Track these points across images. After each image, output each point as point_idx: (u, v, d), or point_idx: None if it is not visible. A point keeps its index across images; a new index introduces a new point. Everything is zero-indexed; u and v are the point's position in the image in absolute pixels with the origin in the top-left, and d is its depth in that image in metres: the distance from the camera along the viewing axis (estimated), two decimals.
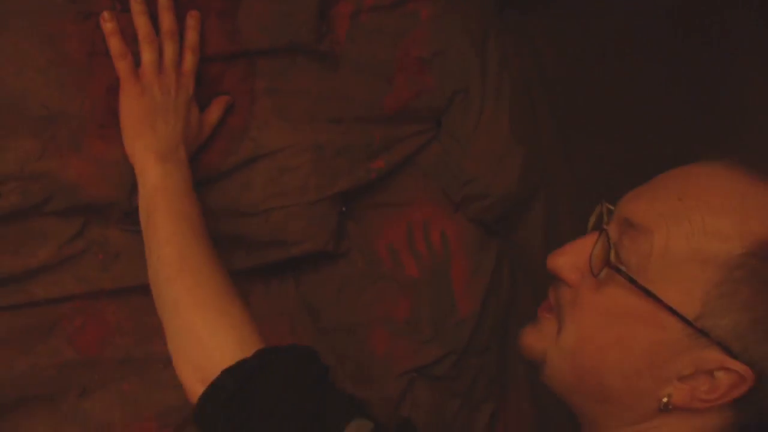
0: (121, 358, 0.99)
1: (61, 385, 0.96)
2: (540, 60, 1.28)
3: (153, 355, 1.01)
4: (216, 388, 0.79)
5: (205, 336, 0.82)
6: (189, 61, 0.96)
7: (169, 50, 0.94)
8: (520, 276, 1.34)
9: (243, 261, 1.04)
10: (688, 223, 0.68)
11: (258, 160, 1.03)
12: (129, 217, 0.96)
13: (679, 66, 1.30)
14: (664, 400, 0.70)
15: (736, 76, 1.29)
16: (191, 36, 0.96)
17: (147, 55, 0.92)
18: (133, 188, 0.94)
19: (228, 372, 0.79)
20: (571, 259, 0.77)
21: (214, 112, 1.00)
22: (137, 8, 0.92)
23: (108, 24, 0.91)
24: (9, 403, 0.93)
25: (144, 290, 0.98)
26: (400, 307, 1.20)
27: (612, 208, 0.78)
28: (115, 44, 0.91)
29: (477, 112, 1.19)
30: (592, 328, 0.74)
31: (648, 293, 0.69)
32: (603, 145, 1.30)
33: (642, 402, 0.72)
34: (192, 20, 0.96)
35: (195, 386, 0.81)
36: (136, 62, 0.93)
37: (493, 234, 1.29)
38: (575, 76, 1.30)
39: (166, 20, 0.94)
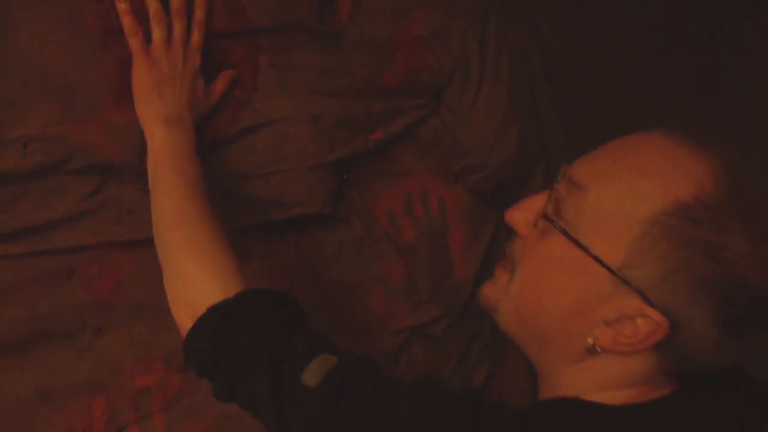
0: (132, 304, 1.11)
1: (77, 325, 1.08)
2: (540, 39, 1.34)
3: (161, 303, 1.10)
4: (201, 323, 0.89)
5: (196, 279, 0.93)
6: (196, 37, 1.06)
7: (178, 27, 1.04)
8: None
9: (245, 219, 1.14)
10: (618, 183, 0.77)
11: (260, 128, 1.12)
12: (140, 177, 1.07)
13: (680, 45, 1.35)
14: (590, 341, 0.79)
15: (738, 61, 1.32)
16: (199, 14, 1.06)
17: (157, 32, 1.03)
18: (143, 151, 1.05)
19: (211, 309, 0.89)
20: (524, 214, 0.87)
21: (220, 84, 1.09)
22: None
23: (122, 4, 1.01)
24: (32, 337, 1.05)
25: (153, 243, 1.10)
26: (397, 270, 1.28)
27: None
28: (128, 22, 1.01)
29: (475, 88, 1.26)
30: (533, 275, 0.84)
31: (578, 244, 0.78)
32: (602, 120, 1.35)
33: (574, 344, 0.81)
34: (199, 0, 1.06)
35: (185, 323, 0.92)
36: (148, 39, 1.03)
37: (492, 205, 1.36)
38: (575, 54, 1.35)
39: (175, 0, 1.04)
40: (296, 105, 1.14)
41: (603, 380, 0.82)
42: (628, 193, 0.76)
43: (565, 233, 0.79)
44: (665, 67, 1.37)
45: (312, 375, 0.83)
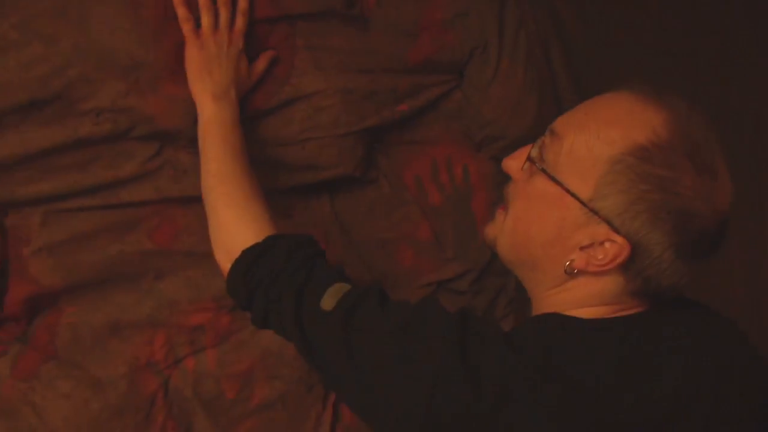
0: (187, 251, 1.30)
1: (141, 269, 1.28)
2: (558, 20, 1.46)
3: (212, 251, 1.30)
4: (237, 263, 1.08)
5: (233, 228, 1.12)
6: (240, 22, 1.23)
7: (224, 14, 1.21)
8: None
9: (284, 181, 1.31)
10: (587, 131, 0.93)
11: (297, 101, 1.29)
12: (193, 142, 1.25)
13: (695, 23, 1.44)
14: (568, 263, 0.95)
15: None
16: (242, 3, 1.23)
17: (205, 19, 1.20)
18: (195, 120, 1.23)
19: (245, 251, 1.08)
20: (516, 162, 1.03)
21: (261, 63, 1.27)
22: None
23: None
24: (102, 278, 1.26)
25: None
26: (424, 229, 1.43)
27: None
28: (181, 11, 1.19)
29: (494, 64, 1.40)
30: (522, 210, 1.00)
31: (555, 180, 0.94)
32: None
33: (555, 267, 0.97)
34: None
35: (225, 265, 1.10)
36: (198, 25, 1.21)
37: None
38: (593, 36, 1.46)
39: None
40: (329, 81, 1.30)
41: (580, 299, 0.97)
42: (595, 138, 0.91)
43: (545, 172, 0.95)
44: (684, 48, 1.46)
45: (328, 300, 1.00)
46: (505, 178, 1.45)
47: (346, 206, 1.39)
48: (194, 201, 1.28)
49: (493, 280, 1.49)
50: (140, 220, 1.27)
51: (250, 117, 1.25)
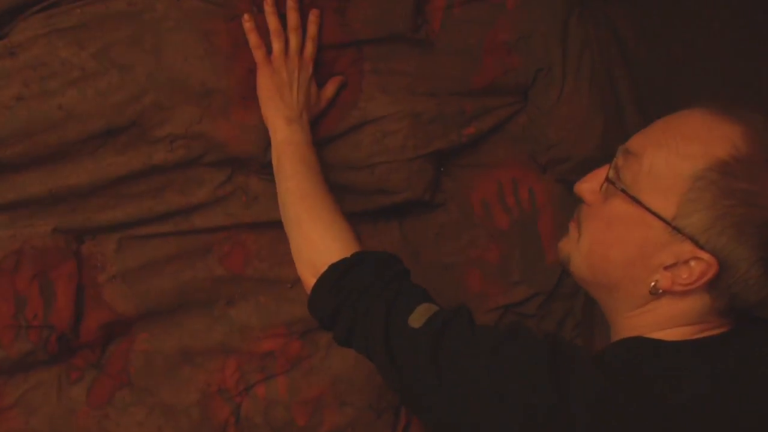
0: (258, 277, 1.30)
1: (213, 295, 1.28)
2: (620, 41, 1.45)
3: (283, 277, 1.30)
4: (324, 278, 1.08)
5: (318, 242, 1.11)
6: (309, 48, 1.24)
7: (294, 41, 1.23)
8: None
9: (353, 205, 1.31)
10: (667, 149, 0.91)
11: (365, 125, 1.30)
12: (264, 168, 1.25)
13: (757, 42, 1.43)
14: (653, 284, 0.92)
15: None
16: (312, 29, 1.24)
17: (276, 45, 1.22)
18: (267, 146, 1.24)
19: (333, 266, 1.07)
20: (590, 185, 1.01)
21: (330, 88, 1.28)
22: (269, 9, 1.21)
23: (248, 23, 1.21)
24: (175, 305, 1.26)
25: (277, 225, 1.28)
26: (491, 253, 1.42)
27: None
28: (253, 38, 1.21)
29: (559, 86, 1.39)
30: (600, 232, 0.98)
31: (636, 201, 0.92)
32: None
33: (637, 288, 0.94)
34: (313, 16, 1.25)
35: (309, 279, 1.10)
36: (269, 51, 1.22)
37: None
38: (654, 55, 1.46)
39: (292, 18, 1.23)
40: (397, 105, 1.30)
41: (663, 320, 0.94)
42: (675, 155, 0.90)
43: (625, 192, 0.93)
44: (745, 67, 1.45)
45: (417, 318, 0.99)
46: (575, 202, 1.47)
47: (414, 231, 1.39)
48: (265, 227, 1.29)
49: (560, 303, 1.48)
50: (212, 245, 1.28)
51: (319, 142, 1.26)
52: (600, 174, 1.00)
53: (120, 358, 1.25)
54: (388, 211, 1.36)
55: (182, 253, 1.26)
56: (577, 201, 1.04)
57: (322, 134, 1.28)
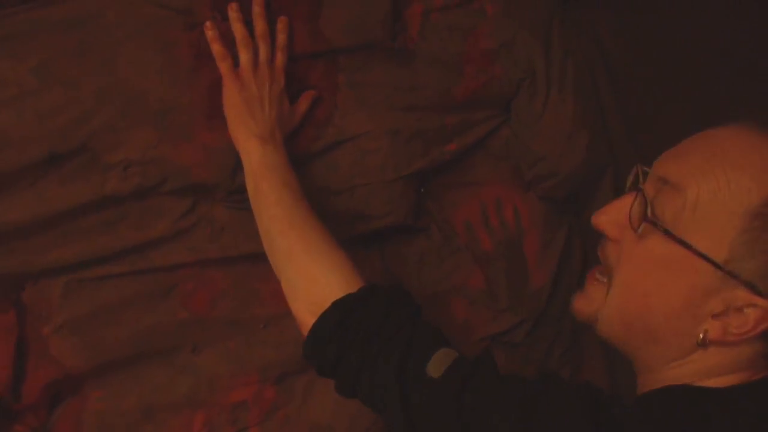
0: (227, 319, 1.14)
1: (176, 342, 1.12)
2: (602, 48, 1.37)
3: (255, 317, 1.16)
4: (325, 317, 0.93)
5: (317, 274, 0.97)
6: (280, 59, 1.10)
7: (263, 50, 1.09)
8: (591, 251, 1.43)
9: (332, 233, 1.17)
10: (715, 180, 0.78)
11: (342, 144, 1.16)
12: (232, 195, 1.11)
13: (744, 51, 1.37)
14: (701, 336, 0.80)
15: None
16: (281, 38, 1.11)
17: (244, 56, 1.07)
18: (234, 170, 1.09)
19: (337, 304, 0.93)
20: (612, 217, 0.88)
21: (303, 104, 1.14)
22: (234, 16, 1.07)
23: (210, 32, 1.06)
24: (135, 355, 1.09)
25: (246, 259, 1.14)
26: (476, 278, 1.31)
27: (647, 169, 0.88)
28: (217, 48, 1.06)
29: (543, 97, 1.29)
30: (636, 278, 0.85)
31: (682, 243, 0.79)
32: (666, 126, 1.38)
33: (683, 340, 0.82)
34: (281, 24, 1.11)
35: (307, 318, 0.95)
36: (235, 63, 1.08)
37: (564, 211, 1.38)
38: (637, 62, 1.38)
39: (260, 25, 1.09)
40: (375, 121, 1.17)
41: (709, 369, 0.83)
42: (725, 188, 0.78)
43: (668, 233, 0.80)
44: (728, 69, 1.38)
45: (435, 367, 0.86)
46: (560, 220, 1.37)
47: (395, 258, 1.26)
48: (233, 261, 1.14)
49: (547, 328, 1.37)
50: (173, 285, 1.12)
51: (293, 164, 1.12)
52: (622, 206, 0.87)
53: (70, 421, 1.07)
54: (367, 238, 1.23)
55: (140, 296, 1.09)
56: (598, 236, 0.93)
57: (296, 155, 1.13)
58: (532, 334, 1.36)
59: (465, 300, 1.30)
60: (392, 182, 1.19)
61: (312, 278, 0.97)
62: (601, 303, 0.89)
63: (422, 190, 1.27)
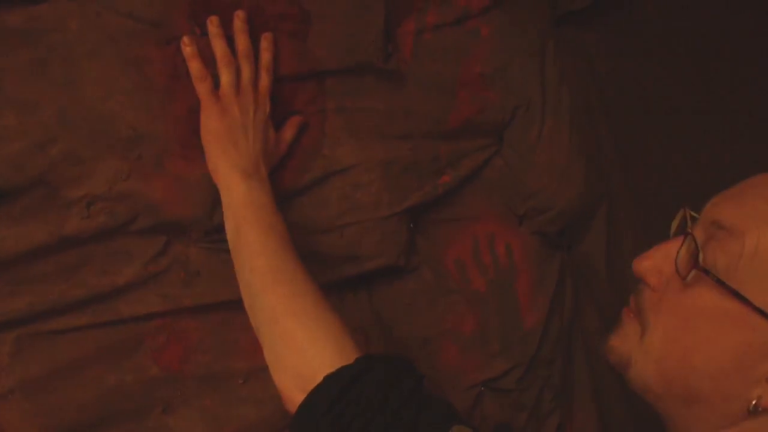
0: (202, 375, 1.00)
1: (145, 402, 0.98)
2: (596, 75, 1.29)
3: (233, 371, 1.02)
4: (318, 394, 0.79)
5: (305, 344, 0.83)
6: (265, 80, 0.98)
7: (246, 70, 0.96)
8: (582, 288, 1.35)
9: (319, 277, 1.04)
10: None
11: (331, 177, 1.05)
12: (209, 235, 0.98)
13: (737, 79, 1.31)
14: (754, 402, 0.70)
15: None
16: (266, 57, 0.98)
17: (225, 76, 0.95)
18: (213, 206, 0.96)
19: (330, 378, 0.79)
20: (656, 263, 0.77)
21: (289, 131, 1.02)
22: (214, 31, 0.94)
23: (188, 48, 0.93)
24: (95, 421, 0.94)
25: (224, 307, 1.01)
26: (468, 321, 1.20)
27: (695, 215, 0.79)
28: (195, 67, 0.93)
29: (538, 126, 1.21)
30: (679, 330, 0.74)
31: (738, 295, 0.69)
32: (659, 156, 1.31)
33: (730, 404, 0.72)
34: (266, 42, 0.99)
35: (294, 394, 0.81)
36: (215, 84, 0.95)
37: (556, 247, 1.30)
38: (631, 90, 1.31)
39: (242, 42, 0.96)
40: (367, 151, 1.06)
41: None
42: None
43: (723, 284, 0.70)
44: (720, 98, 1.33)
45: None
46: (552, 256, 1.28)
47: (385, 301, 1.14)
48: (208, 309, 1.00)
49: (538, 373, 1.28)
50: (142, 338, 0.97)
51: (277, 199, 0.99)
52: (668, 251, 0.77)
53: None
54: (354, 281, 1.11)
55: (104, 352, 0.94)
56: (635, 281, 0.83)
57: (281, 190, 1.01)
58: (524, 379, 1.26)
59: (456, 345, 1.20)
60: (385, 220, 1.08)
61: (299, 347, 0.83)
62: (636, 344, 0.78)
63: (411, 225, 1.16)
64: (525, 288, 1.25)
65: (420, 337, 1.17)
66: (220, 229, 0.94)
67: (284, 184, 1.02)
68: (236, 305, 0.94)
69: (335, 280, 1.07)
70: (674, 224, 0.81)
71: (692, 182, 1.26)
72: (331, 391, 0.78)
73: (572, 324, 1.33)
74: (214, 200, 0.96)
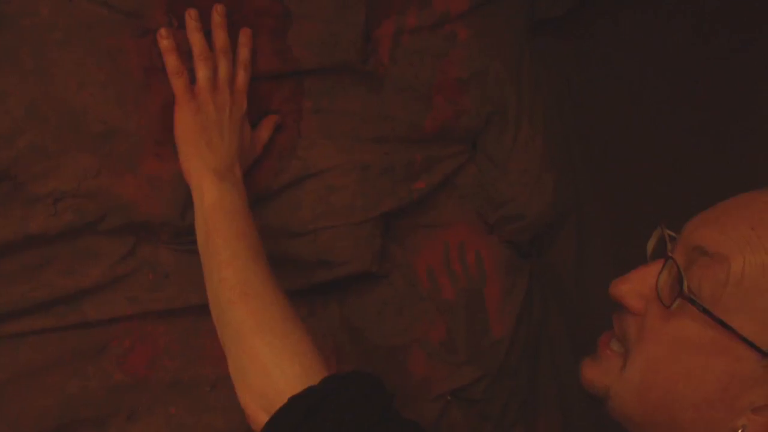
0: (168, 381, 0.96)
1: (109, 408, 0.93)
2: (569, 85, 1.29)
3: (200, 378, 0.98)
4: (283, 415, 0.75)
5: (270, 363, 0.79)
6: (242, 78, 0.95)
7: (223, 67, 0.93)
8: (550, 297, 1.34)
9: (291, 282, 1.02)
10: (764, 253, 0.66)
11: (306, 180, 1.02)
12: (179, 237, 0.94)
13: (708, 92, 1.32)
14: (739, 431, 0.68)
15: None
16: (243, 53, 0.95)
17: (202, 72, 0.91)
18: (185, 206, 0.93)
19: (295, 399, 0.75)
20: (635, 287, 0.75)
21: (265, 131, 0.99)
22: (192, 25, 0.91)
23: (165, 41, 0.89)
24: (59, 426, 0.90)
25: (193, 311, 0.97)
26: (437, 329, 1.19)
27: (673, 234, 0.77)
28: (171, 61, 0.89)
29: (512, 134, 1.19)
30: (661, 360, 0.72)
31: (723, 325, 0.67)
32: (630, 166, 1.31)
33: None
34: (244, 37, 0.95)
35: (258, 414, 0.78)
36: (192, 79, 0.91)
37: (525, 256, 1.29)
38: (603, 101, 1.31)
39: (220, 37, 0.93)
40: (342, 154, 1.04)
41: None
42: None
43: (708, 313, 0.68)
44: (695, 108, 1.33)
45: None
46: (522, 265, 1.27)
47: (355, 308, 1.11)
48: (177, 314, 0.96)
49: (505, 383, 1.26)
50: (107, 343, 0.93)
51: (252, 201, 0.96)
52: (647, 275, 0.74)
53: None
54: (325, 286, 1.08)
55: (67, 356, 0.90)
56: (614, 305, 0.78)
57: (255, 191, 0.98)
58: (491, 389, 1.24)
59: (424, 353, 1.18)
60: (359, 225, 1.05)
61: (263, 365, 0.79)
62: (616, 376, 0.75)
63: (384, 231, 1.13)
64: (494, 296, 1.24)
65: (389, 345, 1.14)
66: (192, 231, 0.90)
67: (258, 185, 0.99)
68: (205, 310, 0.89)
69: (307, 285, 1.04)
70: (650, 244, 0.79)
71: (663, 193, 1.26)
72: (296, 413, 0.74)
73: (539, 333, 1.32)
74: (186, 200, 0.92)
